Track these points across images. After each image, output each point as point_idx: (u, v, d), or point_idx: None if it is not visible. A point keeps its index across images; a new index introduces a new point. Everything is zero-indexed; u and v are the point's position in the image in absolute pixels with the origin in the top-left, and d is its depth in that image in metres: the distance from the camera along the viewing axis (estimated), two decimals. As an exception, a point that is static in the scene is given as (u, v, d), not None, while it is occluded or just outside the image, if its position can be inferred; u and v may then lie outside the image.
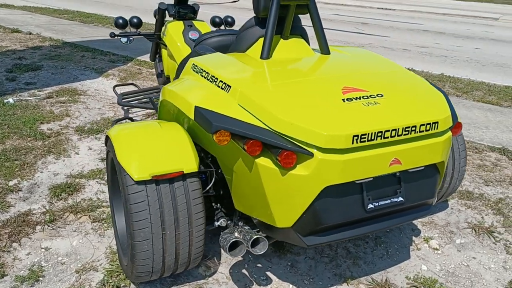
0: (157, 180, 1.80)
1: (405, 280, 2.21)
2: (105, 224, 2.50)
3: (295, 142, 1.61)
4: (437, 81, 5.95)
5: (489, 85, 5.87)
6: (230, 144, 1.76)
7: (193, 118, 1.83)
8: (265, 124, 1.68)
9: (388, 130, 1.63)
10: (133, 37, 4.05)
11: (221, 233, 1.96)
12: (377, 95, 1.80)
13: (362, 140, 1.60)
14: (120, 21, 3.92)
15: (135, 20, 3.97)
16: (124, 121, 3.76)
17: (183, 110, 1.93)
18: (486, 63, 7.41)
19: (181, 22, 3.69)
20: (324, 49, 2.28)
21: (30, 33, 7.79)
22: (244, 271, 2.23)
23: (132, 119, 3.28)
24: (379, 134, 1.62)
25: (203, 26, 3.74)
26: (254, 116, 1.71)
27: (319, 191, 1.63)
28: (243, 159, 1.73)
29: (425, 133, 1.72)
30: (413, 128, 1.68)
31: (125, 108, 4.24)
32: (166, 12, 4.01)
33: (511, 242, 2.52)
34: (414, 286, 2.17)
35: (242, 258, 2.31)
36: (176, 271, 1.97)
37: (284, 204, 1.69)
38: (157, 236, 1.80)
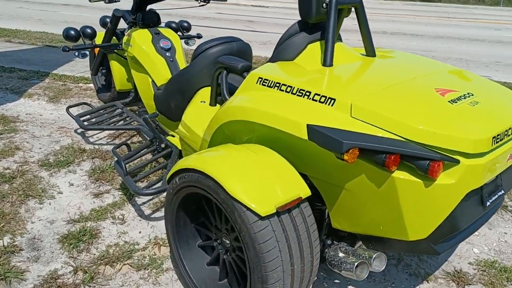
0: (278, 212, 1.61)
1: (470, 266, 2.32)
2: (154, 270, 2.15)
3: (437, 151, 1.57)
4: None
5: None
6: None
7: (305, 138, 1.66)
8: (399, 136, 1.60)
9: (511, 128, 1.69)
10: (88, 50, 3.54)
11: (329, 256, 1.84)
12: (468, 94, 1.84)
13: (497, 140, 1.62)
14: (72, 32, 3.40)
15: (88, 30, 3.49)
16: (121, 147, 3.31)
17: (283, 130, 1.74)
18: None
19: (146, 30, 3.34)
20: (371, 51, 2.27)
21: None
22: (327, 290, 2.12)
23: (128, 145, 2.85)
24: (506, 133, 1.66)
25: (169, 33, 3.43)
26: (381, 128, 1.62)
27: (462, 198, 1.61)
28: (369, 174, 1.63)
29: None
30: None
31: (80, 131, 3.69)
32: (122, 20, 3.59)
33: (524, 213, 2.82)
34: (482, 270, 2.29)
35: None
36: (289, 305, 1.79)
37: (423, 216, 1.63)
38: (287, 274, 1.62)
